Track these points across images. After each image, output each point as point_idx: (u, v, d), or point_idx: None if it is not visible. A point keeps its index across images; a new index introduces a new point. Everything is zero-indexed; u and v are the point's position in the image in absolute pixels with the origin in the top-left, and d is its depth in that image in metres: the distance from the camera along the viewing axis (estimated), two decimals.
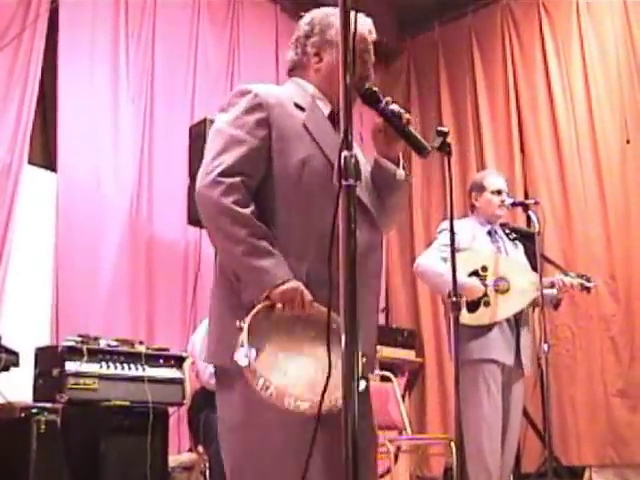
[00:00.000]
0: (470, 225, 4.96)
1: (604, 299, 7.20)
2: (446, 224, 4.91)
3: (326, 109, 2.56)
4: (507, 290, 4.66)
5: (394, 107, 2.47)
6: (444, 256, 4.68)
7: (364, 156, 2.63)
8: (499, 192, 4.98)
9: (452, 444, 5.36)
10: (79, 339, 4.67)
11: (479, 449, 4.55)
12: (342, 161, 1.58)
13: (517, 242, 5.12)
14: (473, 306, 4.62)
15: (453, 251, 3.24)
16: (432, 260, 4.76)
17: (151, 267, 6.05)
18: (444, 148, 3.21)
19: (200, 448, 4.65)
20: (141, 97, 6.21)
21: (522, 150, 7.96)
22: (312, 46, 2.58)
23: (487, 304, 4.62)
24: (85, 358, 4.59)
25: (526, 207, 5.04)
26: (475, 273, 4.69)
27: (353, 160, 1.59)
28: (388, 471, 5.93)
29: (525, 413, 6.46)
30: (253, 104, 2.41)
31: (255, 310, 2.22)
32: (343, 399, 1.59)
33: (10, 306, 5.16)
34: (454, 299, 3.17)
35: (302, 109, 2.49)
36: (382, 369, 6.65)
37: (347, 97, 1.62)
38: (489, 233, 5.00)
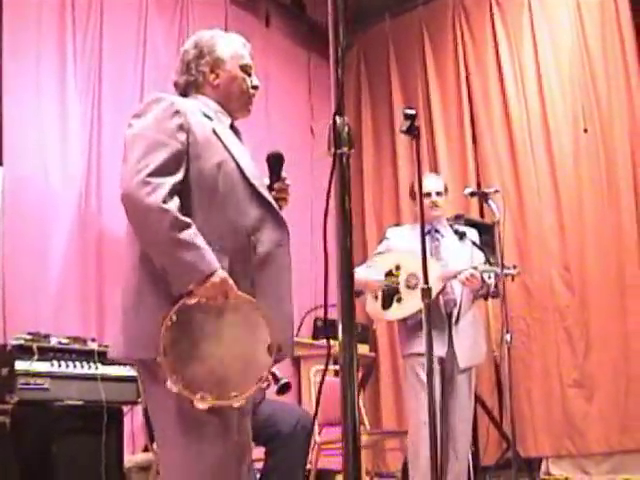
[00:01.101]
0: (406, 230, 5.28)
1: (559, 290, 7.21)
2: (388, 232, 5.33)
3: (227, 121, 2.85)
4: (417, 285, 4.83)
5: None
6: (369, 263, 5.14)
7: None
8: (429, 194, 5.09)
9: None
10: (29, 337, 4.52)
11: (417, 437, 4.73)
12: (334, 128, 1.49)
13: (465, 237, 5.18)
14: (388, 303, 4.94)
15: (423, 239, 3.19)
16: (359, 270, 5.04)
17: (101, 261, 5.88)
18: (412, 131, 3.15)
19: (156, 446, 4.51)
20: (89, 89, 6.05)
21: (474, 141, 7.94)
22: (206, 65, 2.84)
23: (399, 300, 4.92)
24: (35, 357, 4.43)
25: (485, 196, 5.02)
26: (390, 272, 4.99)
27: (346, 128, 1.50)
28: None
29: (483, 406, 6.44)
30: (172, 111, 2.61)
31: (180, 304, 2.41)
32: (343, 394, 1.63)
33: None
34: (424, 286, 3.12)
35: (210, 118, 2.74)
36: (336, 363, 6.56)
37: (337, 56, 1.51)
38: (427, 233, 5.05)
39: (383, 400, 8.04)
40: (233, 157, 2.69)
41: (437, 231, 5.16)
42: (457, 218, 6.34)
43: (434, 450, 3.19)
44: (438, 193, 5.12)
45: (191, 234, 2.45)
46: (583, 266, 7.13)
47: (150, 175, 2.46)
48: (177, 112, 2.61)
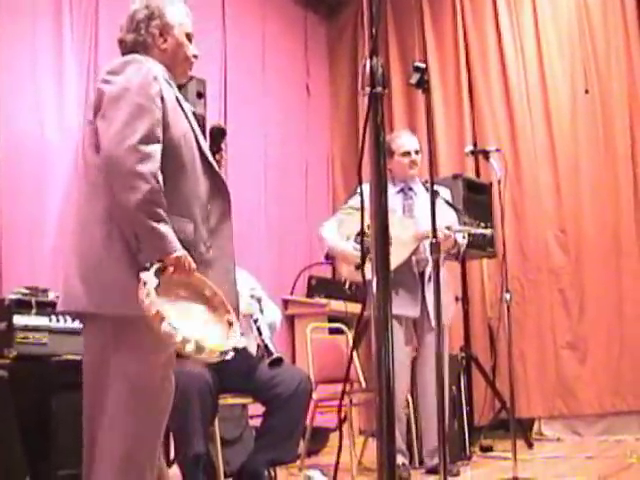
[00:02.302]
0: None
1: (554, 252, 7.22)
2: (362, 188, 5.11)
3: (174, 85, 2.87)
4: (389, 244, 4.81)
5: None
6: (340, 217, 5.13)
7: None
8: (407, 153, 5.12)
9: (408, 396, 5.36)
10: (27, 291, 4.47)
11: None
12: (369, 68, 1.46)
13: (437, 196, 5.16)
14: (360, 264, 4.86)
15: (433, 204, 3.18)
16: (328, 232, 5.14)
17: None
18: (422, 84, 3.11)
19: None
20: (85, 41, 5.95)
21: (471, 101, 7.88)
22: (155, 28, 2.85)
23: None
24: (34, 311, 4.40)
25: (487, 155, 5.01)
26: (363, 232, 4.93)
27: (380, 69, 1.47)
28: (342, 423, 5.86)
29: (478, 366, 6.45)
30: (151, 76, 2.67)
31: (154, 268, 2.51)
32: (377, 353, 1.62)
33: None
34: (433, 240, 3.11)
35: (170, 84, 2.80)
36: (332, 322, 6.58)
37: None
38: (401, 191, 5.18)
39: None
40: (192, 128, 2.80)
41: (410, 189, 5.20)
42: (455, 177, 6.33)
43: (441, 415, 3.19)
44: (417, 151, 5.13)
45: (165, 211, 2.56)
46: (579, 228, 7.14)
47: (140, 142, 2.53)
48: (155, 78, 2.68)
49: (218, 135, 3.07)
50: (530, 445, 6.27)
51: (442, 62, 8.07)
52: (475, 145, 7.46)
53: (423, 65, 3.13)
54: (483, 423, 6.51)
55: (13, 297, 4.38)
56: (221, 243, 2.83)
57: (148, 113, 2.59)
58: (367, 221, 4.90)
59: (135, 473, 2.66)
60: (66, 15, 5.81)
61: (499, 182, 4.84)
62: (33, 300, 4.42)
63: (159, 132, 2.61)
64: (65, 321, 4.54)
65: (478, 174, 7.49)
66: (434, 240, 3.13)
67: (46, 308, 4.48)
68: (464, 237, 5.05)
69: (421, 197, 5.14)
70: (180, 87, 3.03)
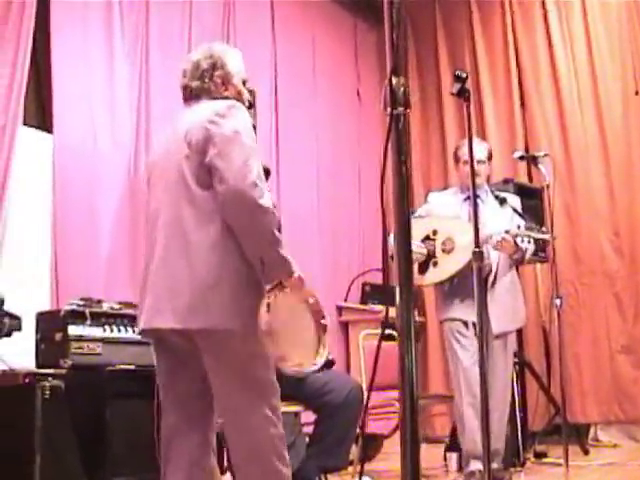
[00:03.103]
0: (447, 195, 5.34)
1: (608, 255, 7.16)
2: (429, 196, 5.41)
3: None
4: (452, 249, 4.91)
5: None
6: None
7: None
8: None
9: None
10: (81, 302, 4.57)
11: (458, 398, 4.95)
12: (390, 88, 1.48)
13: (505, 203, 5.16)
14: (424, 268, 5.00)
15: (475, 204, 3.18)
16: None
17: None
18: (463, 94, 3.12)
19: None
20: (136, 52, 6.04)
21: (522, 104, 7.85)
22: (218, 77, 3.09)
23: (435, 264, 4.98)
24: (88, 322, 4.49)
25: (535, 160, 4.99)
26: (427, 237, 5.03)
27: (402, 88, 1.49)
28: (395, 430, 5.87)
29: (531, 371, 6.42)
30: (249, 121, 2.95)
31: (270, 288, 2.90)
32: (401, 361, 1.66)
33: (7, 269, 5.03)
34: (477, 249, 3.12)
35: None
36: (386, 328, 6.57)
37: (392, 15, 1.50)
38: (467, 199, 5.12)
39: (431, 364, 8.05)
40: None
41: (477, 197, 5.12)
42: (505, 182, 6.30)
43: (485, 414, 3.19)
44: (479, 161, 5.07)
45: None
46: (633, 231, 7.07)
47: (257, 179, 2.79)
48: (249, 119, 2.97)
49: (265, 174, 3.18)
50: (586, 451, 6.21)
51: (492, 67, 8.05)
52: (527, 149, 7.44)
53: (464, 74, 3.13)
54: (537, 429, 6.46)
55: (68, 308, 4.48)
56: None
57: (256, 155, 2.86)
58: (433, 227, 4.93)
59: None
60: (117, 26, 5.91)
61: (548, 186, 4.82)
62: (87, 311, 4.51)
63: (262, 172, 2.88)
64: (119, 331, 4.63)
65: (530, 179, 7.45)
66: (477, 249, 3.13)
67: (100, 319, 4.58)
68: (529, 242, 5.00)
69: (488, 204, 5.11)
70: None
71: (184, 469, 3.04)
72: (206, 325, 2.80)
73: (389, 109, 1.48)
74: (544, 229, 5.02)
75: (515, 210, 5.13)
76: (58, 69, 5.50)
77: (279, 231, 2.89)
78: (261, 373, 2.92)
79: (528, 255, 5.10)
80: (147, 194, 3.17)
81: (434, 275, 5.02)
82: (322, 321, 2.99)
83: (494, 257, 4.99)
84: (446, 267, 4.93)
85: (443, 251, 4.95)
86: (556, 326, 4.86)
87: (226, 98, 3.08)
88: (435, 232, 5.01)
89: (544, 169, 4.88)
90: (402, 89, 1.49)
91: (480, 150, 5.12)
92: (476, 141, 5.40)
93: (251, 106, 5.60)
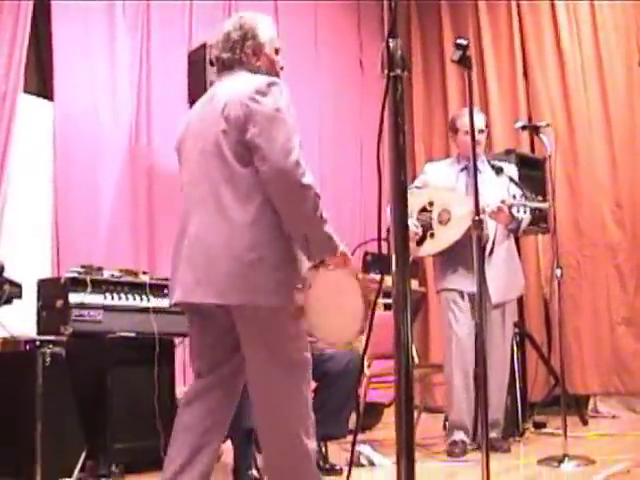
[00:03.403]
0: (444, 165, 5.37)
1: (610, 227, 7.14)
2: (426, 167, 5.44)
3: None
4: (449, 220, 4.95)
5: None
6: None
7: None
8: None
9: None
10: (82, 270, 4.58)
11: (449, 367, 5.06)
12: (387, 50, 1.46)
13: (501, 173, 5.19)
14: (421, 239, 5.03)
15: (476, 182, 3.17)
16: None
17: (152, 197, 5.92)
18: (464, 61, 3.09)
19: None
20: (137, 23, 6.03)
21: (525, 75, 7.82)
22: (249, 48, 3.08)
23: (432, 236, 5.02)
24: (89, 289, 4.50)
25: (537, 130, 4.96)
26: (424, 209, 5.07)
27: (399, 50, 1.47)
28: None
29: (532, 342, 6.43)
30: (289, 97, 2.93)
31: (313, 266, 2.90)
32: (396, 329, 1.67)
33: (8, 237, 5.04)
34: (476, 217, 3.11)
35: None
36: (387, 297, 6.58)
37: None
38: (464, 169, 5.19)
39: (432, 334, 8.07)
40: None
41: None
42: (508, 153, 6.28)
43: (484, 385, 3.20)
44: (480, 130, 5.07)
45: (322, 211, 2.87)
46: (635, 202, 7.05)
47: (300, 158, 2.82)
48: (287, 95, 2.94)
49: None
50: (585, 422, 6.24)
51: (496, 37, 8.01)
52: (530, 119, 7.41)
53: (465, 42, 3.10)
54: (537, 399, 6.48)
55: (69, 275, 4.49)
56: None
57: (296, 133, 2.89)
58: (429, 198, 4.91)
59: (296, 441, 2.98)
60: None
61: (550, 157, 4.79)
62: (88, 278, 4.52)
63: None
64: (120, 299, 4.64)
65: (533, 149, 7.42)
66: (477, 218, 3.13)
67: (101, 286, 4.59)
68: (525, 212, 4.99)
69: (486, 174, 5.10)
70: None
71: (195, 435, 3.01)
72: (245, 301, 2.83)
73: (386, 71, 1.47)
74: (540, 198, 5.01)
75: (512, 179, 5.11)
76: (59, 36, 5.49)
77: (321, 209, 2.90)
78: (296, 351, 2.94)
79: (524, 225, 5.10)
80: (179, 164, 3.20)
81: (431, 246, 5.05)
82: (370, 296, 2.94)
83: (491, 227, 5.00)
84: (443, 238, 4.96)
85: (440, 222, 4.98)
86: (557, 297, 4.84)
87: (258, 68, 3.09)
88: (431, 203, 5.04)
89: (546, 139, 4.84)
90: (400, 52, 1.47)
91: (479, 119, 5.10)
92: (475, 110, 5.39)
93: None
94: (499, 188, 5.03)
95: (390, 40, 1.48)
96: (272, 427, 3.00)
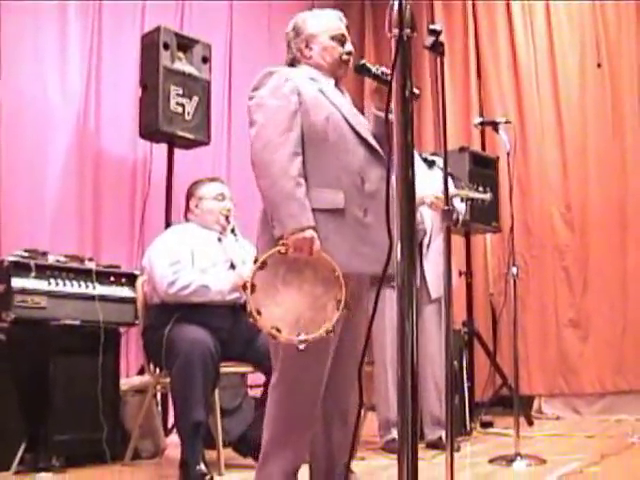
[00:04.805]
0: None
1: (559, 229, 7.16)
2: None
3: (331, 82, 3.26)
4: None
5: (382, 69, 3.11)
6: None
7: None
8: None
9: None
10: (26, 254, 4.41)
11: (380, 364, 5.04)
12: (399, 9, 1.36)
13: (434, 165, 5.27)
14: None
15: (446, 173, 3.11)
16: None
17: (99, 181, 5.76)
18: (437, 47, 3.00)
19: (157, 370, 4.42)
20: (89, 3, 5.86)
21: (478, 74, 7.78)
22: (301, 42, 3.29)
23: None
24: (33, 274, 4.35)
25: (496, 127, 4.90)
26: None
27: (409, 10, 1.37)
28: None
29: (480, 341, 6.40)
30: (283, 79, 3.08)
31: (273, 250, 2.84)
32: (400, 323, 1.53)
33: None
34: (445, 208, 3.04)
35: (315, 80, 3.18)
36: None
37: None
38: None
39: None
40: (339, 110, 3.11)
41: None
42: (461, 150, 6.25)
43: (449, 390, 3.12)
44: None
45: (294, 188, 2.89)
46: (585, 205, 7.06)
47: (274, 135, 2.95)
48: (287, 79, 3.07)
49: (361, 70, 3.20)
50: (530, 422, 6.23)
51: (449, 31, 7.92)
52: (482, 117, 7.38)
53: (439, 28, 3.00)
54: (484, 399, 6.45)
55: (12, 259, 4.31)
56: (379, 205, 3.01)
57: (281, 109, 3.00)
58: None
59: None
60: None
61: (508, 154, 4.74)
62: (32, 263, 4.36)
63: (294, 121, 3.01)
64: (64, 285, 4.49)
65: (484, 147, 7.40)
66: (446, 208, 3.05)
67: (45, 271, 4.43)
68: (462, 201, 4.95)
69: (417, 167, 5.02)
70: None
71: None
72: None
73: (395, 31, 1.36)
74: (481, 189, 4.97)
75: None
76: (6, 14, 5.29)
77: (288, 185, 2.92)
78: None
79: (462, 216, 5.06)
80: None
81: None
82: (338, 295, 2.83)
83: (428, 222, 4.98)
84: None
85: None
86: (507, 296, 4.80)
87: (310, 59, 3.27)
88: None
89: (504, 136, 4.79)
90: (409, 11, 1.37)
91: None
92: None
93: (205, 60, 5.47)
94: (432, 180, 4.97)
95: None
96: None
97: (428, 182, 4.93)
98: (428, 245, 4.98)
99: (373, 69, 3.10)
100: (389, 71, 3.07)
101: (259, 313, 2.78)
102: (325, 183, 3.01)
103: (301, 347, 2.78)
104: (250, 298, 2.78)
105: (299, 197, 2.89)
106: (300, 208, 2.87)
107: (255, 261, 2.88)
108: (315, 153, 3.04)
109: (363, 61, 3.15)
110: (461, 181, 5.40)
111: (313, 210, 2.91)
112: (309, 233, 2.85)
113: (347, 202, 2.98)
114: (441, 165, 4.98)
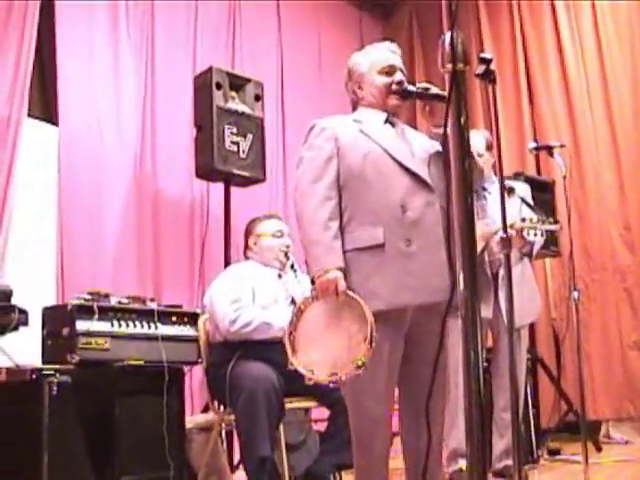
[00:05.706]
0: None
1: (619, 250, 7.06)
2: None
3: (382, 116, 3.26)
4: None
5: (422, 85, 3.15)
6: None
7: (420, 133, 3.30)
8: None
9: None
10: (89, 297, 4.45)
11: (454, 393, 4.73)
12: (451, 43, 1.37)
13: (513, 193, 4.97)
14: None
15: (503, 199, 3.09)
16: None
17: (157, 222, 5.84)
18: (488, 75, 3.01)
19: (221, 407, 4.43)
20: (142, 47, 5.97)
21: (530, 99, 7.75)
22: (354, 84, 3.34)
23: None
24: (96, 316, 4.37)
25: (551, 151, 4.86)
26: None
27: (461, 44, 1.38)
28: None
29: (544, 367, 6.32)
30: (319, 129, 3.20)
31: (307, 296, 2.97)
32: (465, 354, 1.53)
33: (13, 263, 4.93)
34: (504, 235, 3.02)
35: (358, 121, 3.24)
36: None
37: None
38: (476, 192, 4.91)
39: None
40: (379, 144, 3.14)
41: (484, 189, 4.98)
42: (516, 175, 6.20)
43: (515, 420, 3.09)
44: (479, 155, 4.96)
45: (320, 233, 2.97)
46: None
47: (305, 185, 3.08)
48: (323, 129, 3.18)
49: (407, 95, 3.24)
50: (599, 448, 6.12)
51: (500, 58, 7.91)
52: (536, 142, 7.33)
53: (489, 56, 3.01)
54: (550, 426, 6.36)
55: (75, 302, 4.36)
56: (424, 229, 3.04)
57: (314, 159, 3.12)
58: None
59: None
60: (122, 17, 5.93)
61: (564, 178, 4.71)
62: (95, 305, 4.40)
63: (328, 167, 3.11)
64: (127, 326, 4.52)
65: (539, 172, 7.35)
66: (504, 235, 3.03)
67: (108, 313, 4.46)
68: (535, 234, 4.90)
69: (495, 196, 4.96)
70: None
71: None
72: None
73: (449, 65, 1.37)
74: (551, 220, 4.91)
75: (523, 200, 5.00)
76: (63, 60, 5.43)
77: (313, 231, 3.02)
78: None
79: (537, 248, 4.99)
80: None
81: None
82: (364, 334, 2.86)
83: None
84: None
85: None
86: (569, 321, 4.74)
87: (363, 99, 3.32)
88: None
89: (560, 160, 4.76)
90: (461, 45, 1.38)
91: (478, 142, 5.01)
92: (473, 132, 5.26)
93: (258, 98, 5.50)
94: (510, 209, 4.92)
95: (452, 32, 1.38)
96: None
97: (507, 211, 4.89)
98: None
99: (413, 89, 3.13)
100: (429, 85, 3.13)
101: (295, 354, 2.89)
102: (365, 221, 3.04)
103: (331, 385, 2.87)
104: (287, 341, 2.90)
105: (325, 241, 2.97)
106: (325, 251, 2.96)
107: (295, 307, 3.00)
108: (353, 193, 3.10)
109: (404, 86, 3.19)
110: (539, 212, 5.35)
111: (355, 250, 2.98)
112: (332, 275, 2.91)
113: (387, 236, 2.99)
114: (522, 193, 5.00)
